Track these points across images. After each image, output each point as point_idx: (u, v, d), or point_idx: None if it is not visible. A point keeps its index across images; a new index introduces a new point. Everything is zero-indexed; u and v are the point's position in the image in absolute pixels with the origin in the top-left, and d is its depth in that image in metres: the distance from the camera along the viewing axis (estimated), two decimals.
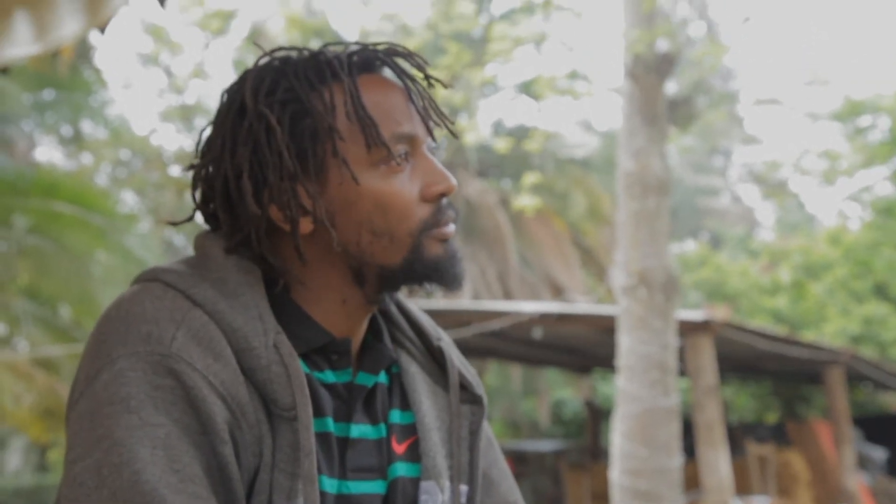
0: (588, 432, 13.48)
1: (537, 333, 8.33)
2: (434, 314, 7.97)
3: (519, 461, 12.91)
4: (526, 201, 9.02)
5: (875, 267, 15.50)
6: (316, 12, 16.26)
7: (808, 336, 13.03)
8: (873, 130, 16.84)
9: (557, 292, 14.23)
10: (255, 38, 15.45)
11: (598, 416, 13.36)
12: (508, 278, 14.08)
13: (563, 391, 16.94)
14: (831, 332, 14.16)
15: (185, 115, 16.69)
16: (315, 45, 1.10)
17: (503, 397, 16.95)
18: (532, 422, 17.07)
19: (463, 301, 11.38)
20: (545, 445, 13.81)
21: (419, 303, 7.87)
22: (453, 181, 1.06)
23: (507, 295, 13.92)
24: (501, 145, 10.03)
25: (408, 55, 1.09)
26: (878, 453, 12.47)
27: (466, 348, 9.54)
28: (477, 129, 11.60)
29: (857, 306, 14.86)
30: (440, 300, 9.05)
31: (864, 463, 11.96)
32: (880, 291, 15.45)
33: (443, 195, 1.05)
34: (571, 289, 14.10)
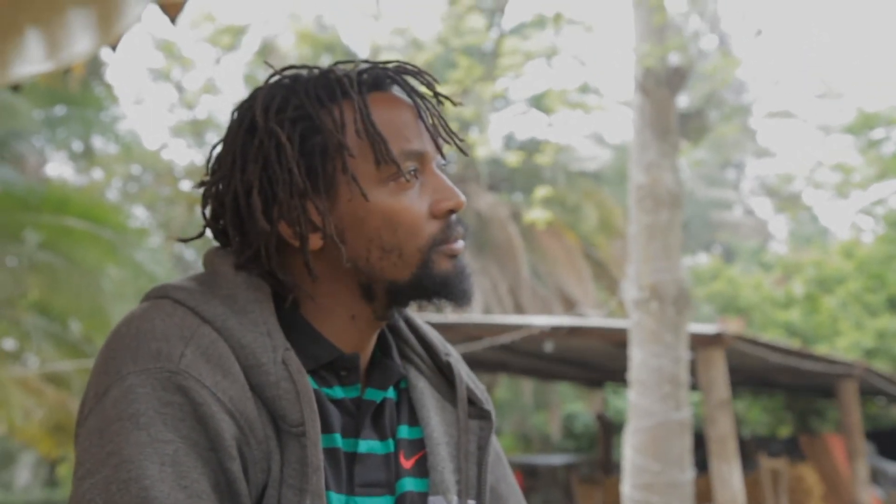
0: (600, 446, 13.44)
1: (548, 347, 8.32)
2: (445, 328, 7.97)
3: (530, 475, 12.87)
4: (537, 214, 9.03)
5: (888, 280, 15.44)
6: (327, 27, 16.33)
7: (821, 350, 12.97)
8: (887, 143, 16.78)
9: (569, 306, 14.21)
10: (265, 53, 15.52)
11: (609, 429, 13.32)
12: (520, 292, 14.08)
13: (575, 405, 16.91)
14: (844, 345, 14.09)
15: (195, 130, 16.77)
16: (326, 60, 1.11)
17: (514, 411, 16.92)
18: (543, 435, 17.02)
19: (474, 315, 11.38)
20: (556, 459, 13.77)
21: (429, 317, 7.88)
22: (462, 197, 1.06)
23: (519, 309, 13.91)
24: (512, 159, 10.05)
25: (417, 73, 1.11)
26: (892, 468, 12.38)
27: (477, 362, 9.53)
28: (488, 143, 11.64)
29: (871, 320, 14.79)
30: (451, 314, 9.04)
31: (877, 477, 11.87)
32: (894, 305, 15.37)
33: (452, 211, 1.06)
34: (583, 302, 14.07)
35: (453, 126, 1.14)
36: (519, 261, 14.14)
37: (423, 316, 1.16)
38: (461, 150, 1.12)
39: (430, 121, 1.09)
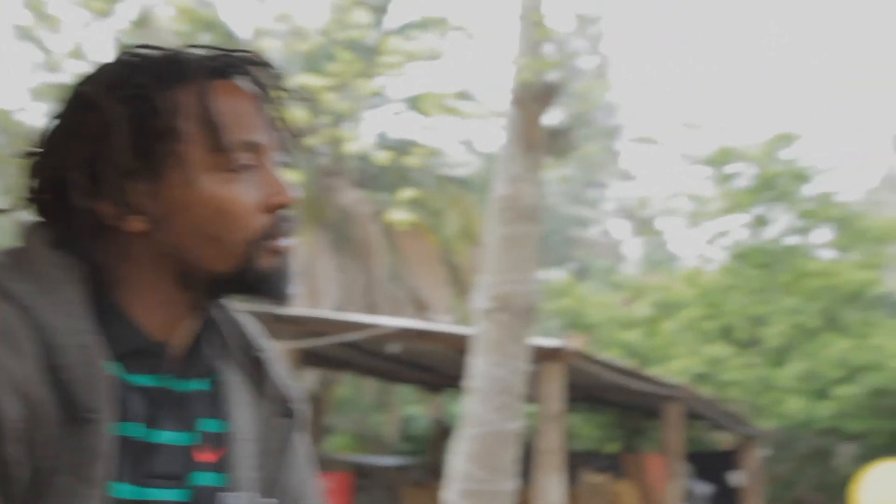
0: (434, 450, 13.53)
1: (395, 348, 8.33)
2: (290, 321, 7.88)
3: (360, 475, 12.83)
4: (399, 216, 9.04)
5: (725, 309, 16.10)
6: (209, 3, 15.90)
7: (656, 371, 13.44)
8: (739, 178, 17.56)
9: (421, 309, 14.28)
10: (141, 24, 14.98)
11: (446, 434, 13.41)
12: (374, 291, 14.06)
13: (415, 408, 16.97)
14: (677, 368, 14.63)
15: (58, 94, 16.04)
16: (205, 38, 1.09)
17: (354, 410, 16.87)
18: (379, 436, 17.03)
19: (322, 310, 11.29)
20: (388, 461, 13.78)
21: (271, 308, 7.76)
22: (293, 194, 1.06)
23: (372, 307, 13.88)
24: (382, 157, 10.03)
25: (266, 65, 1.09)
26: (704, 488, 12.98)
27: (322, 358, 9.46)
28: (359, 139, 11.58)
29: (704, 346, 15.40)
30: (299, 307, 8.94)
31: (689, 497, 12.40)
32: (727, 333, 16.05)
33: (282, 207, 1.05)
34: (435, 306, 14.17)
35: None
36: (377, 260, 14.12)
37: (264, 307, 1.14)
38: (300, 148, 1.12)
39: (273, 115, 1.08)
